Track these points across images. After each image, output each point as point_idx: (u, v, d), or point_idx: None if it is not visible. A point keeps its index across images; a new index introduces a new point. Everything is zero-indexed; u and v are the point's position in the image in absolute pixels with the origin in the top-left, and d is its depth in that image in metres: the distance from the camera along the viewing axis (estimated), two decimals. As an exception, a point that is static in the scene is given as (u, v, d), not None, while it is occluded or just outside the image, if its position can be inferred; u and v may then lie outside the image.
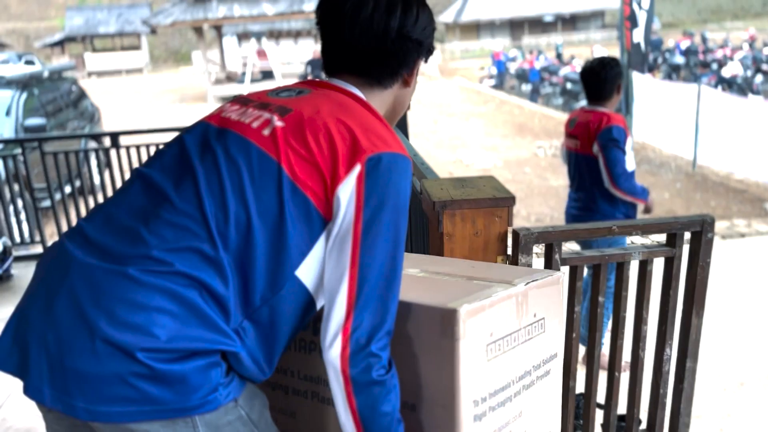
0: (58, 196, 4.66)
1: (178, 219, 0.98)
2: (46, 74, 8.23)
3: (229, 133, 1.06)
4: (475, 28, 39.76)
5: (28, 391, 0.95)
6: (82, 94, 9.21)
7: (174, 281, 0.94)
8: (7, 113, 6.85)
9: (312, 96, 1.12)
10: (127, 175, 1.32)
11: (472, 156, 11.47)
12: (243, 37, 26.26)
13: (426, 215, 2.06)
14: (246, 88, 19.87)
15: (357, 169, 1.00)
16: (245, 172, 1.01)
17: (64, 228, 4.53)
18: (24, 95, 7.19)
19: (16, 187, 4.84)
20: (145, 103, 19.96)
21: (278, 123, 1.05)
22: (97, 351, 0.90)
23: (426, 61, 1.25)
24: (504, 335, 1.12)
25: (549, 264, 1.88)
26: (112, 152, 4.47)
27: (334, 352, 0.98)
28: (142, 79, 29.14)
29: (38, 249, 4.50)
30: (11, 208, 4.56)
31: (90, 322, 0.91)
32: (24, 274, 4.04)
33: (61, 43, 31.90)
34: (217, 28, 22.45)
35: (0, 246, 3.82)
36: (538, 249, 1.89)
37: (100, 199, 4.74)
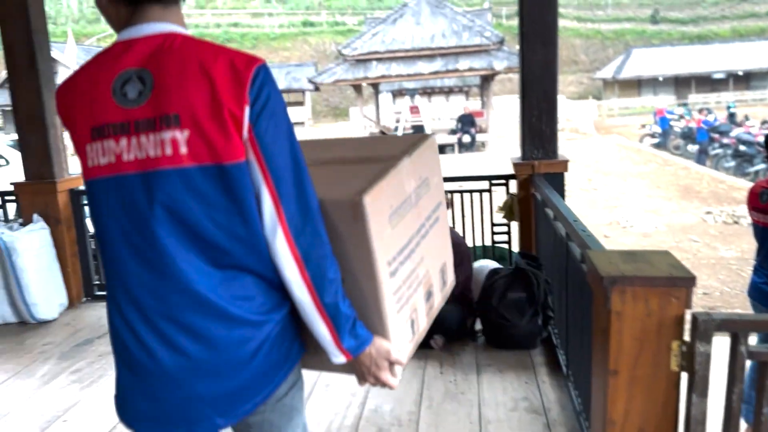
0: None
1: None
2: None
3: None
4: (635, 85, 38.15)
5: None
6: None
7: None
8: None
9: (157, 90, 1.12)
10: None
11: (631, 218, 10.76)
12: (397, 94, 27.31)
13: (590, 288, 1.87)
14: (398, 142, 20.43)
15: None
16: None
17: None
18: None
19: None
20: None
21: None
22: None
23: None
24: (400, 203, 1.34)
25: (734, 356, 1.61)
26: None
27: (279, 240, 1.14)
28: (304, 131, 31.21)
29: None
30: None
31: None
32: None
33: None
34: (375, 86, 23.53)
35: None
36: (721, 336, 1.63)
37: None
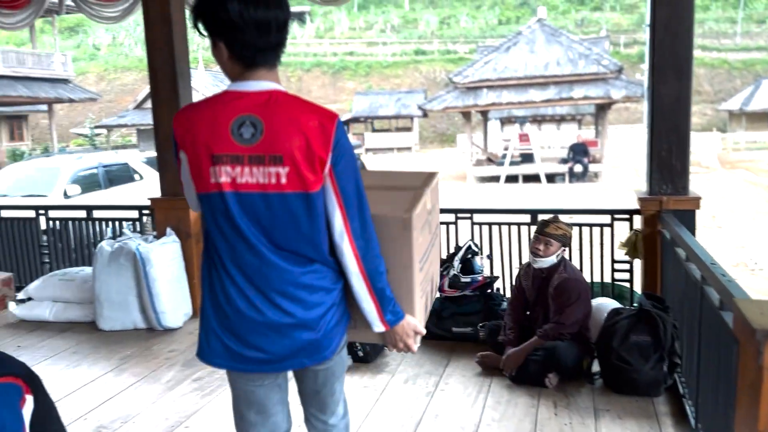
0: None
1: None
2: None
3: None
4: (765, 117, 35.47)
5: None
6: (362, 168, 10.21)
7: None
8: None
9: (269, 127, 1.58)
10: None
11: (760, 260, 9.93)
12: (506, 121, 27.01)
13: (735, 339, 1.74)
14: (505, 170, 20.17)
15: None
16: None
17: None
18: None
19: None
20: (411, 179, 21.33)
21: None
22: None
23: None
24: (424, 221, 1.85)
25: None
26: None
27: (345, 244, 1.64)
28: (411, 157, 31.55)
29: None
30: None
31: None
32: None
33: (347, 123, 36.28)
34: (484, 113, 23.42)
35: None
36: None
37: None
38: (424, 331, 1.84)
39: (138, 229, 4.97)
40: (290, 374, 1.85)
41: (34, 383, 2.15)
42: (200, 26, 1.61)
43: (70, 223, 5.15)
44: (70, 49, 35.69)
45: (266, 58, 1.61)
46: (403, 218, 1.74)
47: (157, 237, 4.62)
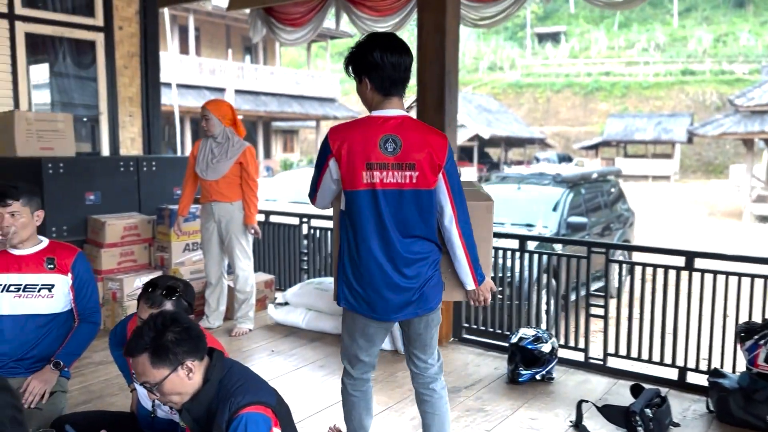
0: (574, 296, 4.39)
1: None
2: (594, 176, 8.48)
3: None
4: None
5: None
6: (620, 197, 9.20)
7: None
8: (554, 208, 7.21)
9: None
10: None
11: None
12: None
13: None
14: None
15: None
16: None
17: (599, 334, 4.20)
18: (571, 194, 7.49)
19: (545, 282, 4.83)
20: (673, 212, 19.18)
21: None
22: None
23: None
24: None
25: None
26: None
27: (452, 226, 2.30)
28: (669, 187, 28.52)
29: (579, 356, 4.07)
30: (543, 306, 4.48)
31: None
32: (564, 379, 3.83)
33: (596, 147, 34.17)
34: (769, 141, 20.08)
35: (548, 346, 3.69)
36: None
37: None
38: (497, 289, 2.86)
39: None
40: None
41: (282, 414, 1.93)
42: (350, 68, 2.28)
43: (328, 232, 5.22)
44: (339, 72, 39.31)
45: (398, 90, 2.25)
46: (488, 204, 2.50)
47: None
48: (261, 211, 5.71)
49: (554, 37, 47.36)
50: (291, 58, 41.79)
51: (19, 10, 5.11)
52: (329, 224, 5.20)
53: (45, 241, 2.86)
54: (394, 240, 2.21)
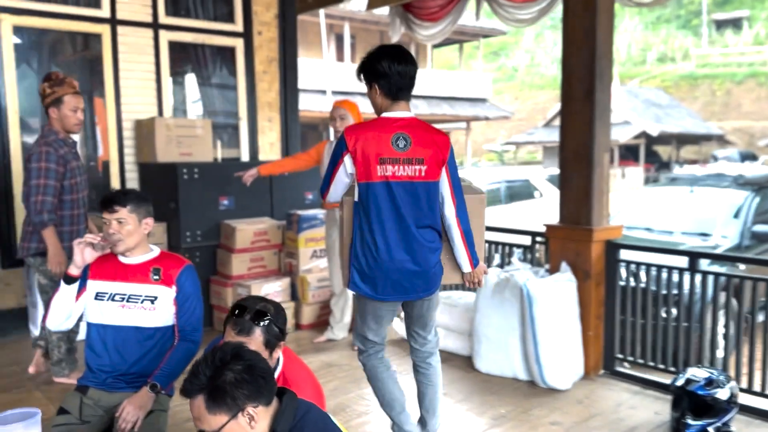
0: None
1: None
2: (788, 177, 7.16)
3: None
4: None
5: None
6: None
7: None
8: (736, 215, 6.14)
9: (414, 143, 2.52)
10: None
11: None
12: None
13: None
14: None
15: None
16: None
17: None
18: (757, 198, 6.34)
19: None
20: None
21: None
22: None
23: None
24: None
25: None
26: None
27: (451, 215, 2.56)
28: None
29: (764, 403, 3.26)
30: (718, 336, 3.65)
31: None
32: (742, 429, 3.06)
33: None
34: None
35: (726, 392, 2.96)
36: None
37: None
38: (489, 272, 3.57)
39: (529, 258, 4.27)
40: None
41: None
42: (362, 76, 2.55)
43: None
44: (491, 72, 38.45)
45: (404, 95, 2.52)
46: (481, 197, 2.75)
47: (550, 272, 3.83)
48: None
49: (735, 24, 42.53)
50: (445, 60, 41.71)
51: (162, 19, 5.26)
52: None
53: (155, 251, 2.74)
54: (408, 228, 2.48)
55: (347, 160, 2.47)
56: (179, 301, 2.70)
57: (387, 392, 2.71)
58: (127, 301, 2.65)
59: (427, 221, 2.49)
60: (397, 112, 2.50)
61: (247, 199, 4.95)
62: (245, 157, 5.86)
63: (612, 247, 3.73)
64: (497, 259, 4.09)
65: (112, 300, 2.64)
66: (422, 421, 2.78)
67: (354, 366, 3.94)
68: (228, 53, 5.78)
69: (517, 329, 3.69)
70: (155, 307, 2.65)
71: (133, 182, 5.18)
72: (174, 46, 5.40)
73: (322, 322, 4.73)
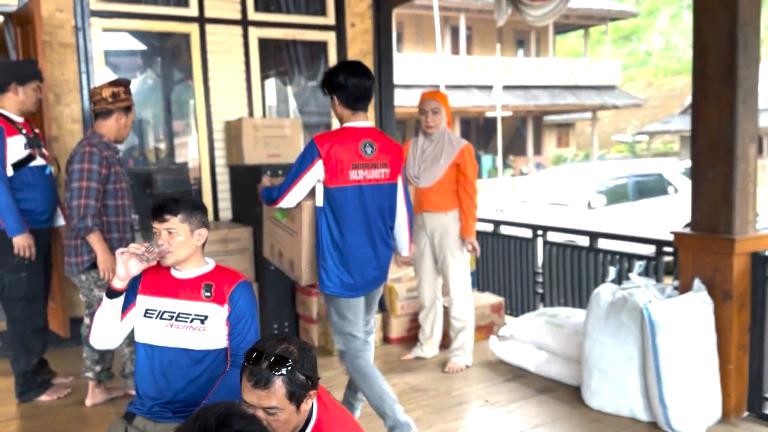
0: None
1: None
2: None
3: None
4: None
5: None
6: None
7: None
8: None
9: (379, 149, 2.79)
10: None
11: None
12: None
13: None
14: None
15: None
16: None
17: None
18: None
19: None
20: None
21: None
22: None
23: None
24: None
25: None
26: None
27: (403, 211, 2.95)
28: None
29: None
30: None
31: None
32: None
33: None
34: None
35: None
36: None
37: None
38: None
39: (653, 273, 3.57)
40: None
41: None
42: (325, 89, 2.76)
43: (568, 250, 4.16)
44: (621, 57, 36.00)
45: (362, 105, 2.73)
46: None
47: (679, 291, 3.15)
48: (489, 221, 4.89)
49: None
50: (570, 48, 39.69)
51: (252, 15, 5.07)
52: (569, 238, 4.15)
53: (210, 265, 2.46)
54: (373, 226, 2.74)
55: (319, 165, 2.64)
56: (232, 321, 2.40)
57: (377, 388, 2.72)
58: (176, 319, 2.38)
59: (388, 220, 2.83)
60: (359, 122, 2.74)
61: (335, 202, 4.64)
62: (338, 156, 5.57)
63: (760, 261, 2.98)
64: (613, 272, 3.45)
65: (161, 318, 2.38)
66: (351, 386, 3.03)
67: (442, 392, 3.49)
68: (319, 48, 5.51)
69: (636, 360, 3.05)
70: (205, 328, 2.37)
71: (224, 185, 5.05)
72: (264, 44, 5.20)
73: (412, 337, 4.31)
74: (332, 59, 5.48)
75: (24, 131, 3.48)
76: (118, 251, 2.33)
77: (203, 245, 2.48)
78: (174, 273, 2.41)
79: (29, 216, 3.42)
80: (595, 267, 3.93)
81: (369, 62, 5.64)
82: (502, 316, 4.45)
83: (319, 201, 2.69)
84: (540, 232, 4.34)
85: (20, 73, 3.48)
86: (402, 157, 2.84)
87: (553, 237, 4.29)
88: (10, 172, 3.39)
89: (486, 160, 26.07)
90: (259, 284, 4.55)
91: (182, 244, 2.35)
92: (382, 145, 2.73)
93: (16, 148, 3.41)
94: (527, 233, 4.48)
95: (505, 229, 4.76)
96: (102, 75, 4.54)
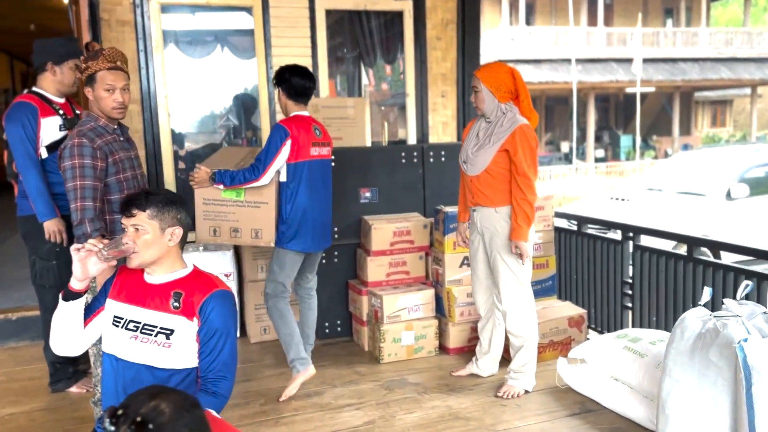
0: None
1: None
2: None
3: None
4: None
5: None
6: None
7: None
8: None
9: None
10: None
11: None
12: None
13: None
14: None
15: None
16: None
17: None
18: None
19: None
20: None
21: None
22: None
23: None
24: None
25: None
26: None
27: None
28: None
29: None
30: None
31: None
32: None
33: None
34: None
35: None
36: None
37: None
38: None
39: (761, 298, 2.74)
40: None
41: None
42: (274, 81, 3.26)
43: (663, 258, 3.36)
44: (792, 24, 31.58)
45: (302, 99, 3.23)
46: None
47: (796, 326, 2.34)
48: (573, 217, 4.17)
49: None
50: (731, 17, 35.57)
51: (318, -16, 4.69)
52: (668, 245, 3.37)
53: (187, 269, 2.13)
54: (323, 193, 3.29)
55: (288, 144, 3.11)
56: (201, 338, 2.06)
57: (290, 328, 3.29)
58: (141, 331, 2.08)
59: (330, 188, 3.36)
60: (304, 112, 3.26)
61: (395, 192, 4.17)
62: (412, 139, 5.07)
63: None
64: (707, 293, 2.65)
65: (126, 328, 2.09)
66: (305, 337, 3.47)
67: (485, 424, 2.94)
68: (394, 19, 5.01)
69: (725, 411, 2.32)
70: (170, 344, 2.05)
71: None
72: (332, 16, 4.80)
73: (472, 348, 3.75)
74: (408, 31, 4.96)
75: (62, 112, 3.36)
76: (73, 247, 2.05)
77: (182, 246, 2.15)
78: (146, 277, 2.11)
79: (63, 200, 3.30)
80: (694, 281, 3.13)
81: (451, 34, 5.07)
82: (584, 331, 3.76)
83: (283, 177, 3.18)
84: (631, 234, 3.57)
85: (57, 52, 3.35)
86: (331, 141, 3.43)
87: (648, 242, 3.52)
88: (44, 153, 3.29)
89: (624, 140, 24.06)
90: (311, 278, 4.22)
91: (149, 243, 2.03)
92: (323, 130, 3.34)
93: (51, 129, 3.29)
94: (617, 234, 3.73)
95: (590, 228, 4.02)
96: (160, 53, 4.39)
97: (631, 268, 3.60)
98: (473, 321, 3.77)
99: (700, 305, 2.60)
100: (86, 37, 3.78)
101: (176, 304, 2.05)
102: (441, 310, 3.88)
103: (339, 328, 4.16)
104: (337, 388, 3.37)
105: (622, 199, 8.67)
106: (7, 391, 3.45)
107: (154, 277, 2.09)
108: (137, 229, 2.03)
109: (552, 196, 4.03)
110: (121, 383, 2.08)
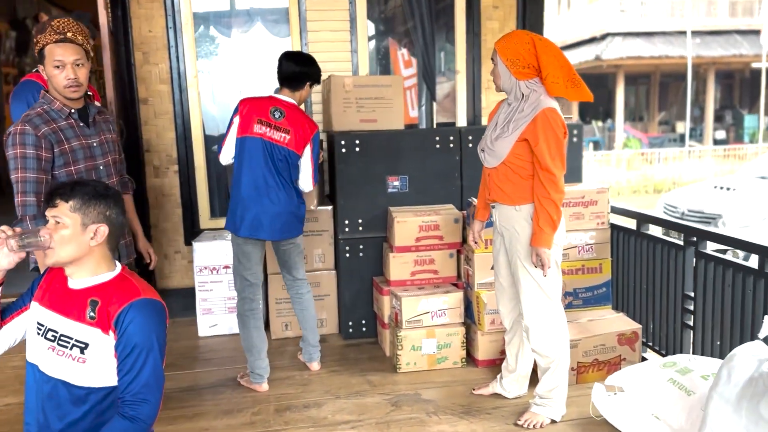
0: None
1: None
2: None
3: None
4: None
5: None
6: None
7: None
8: None
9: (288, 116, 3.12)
10: None
11: None
12: None
13: None
14: None
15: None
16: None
17: None
18: None
19: None
20: None
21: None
22: None
23: (311, 86, 3.23)
24: None
25: None
26: None
27: (308, 177, 3.19)
28: None
29: None
30: None
31: None
32: None
33: None
34: None
35: None
36: None
37: None
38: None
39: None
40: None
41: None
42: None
43: (730, 270, 2.71)
44: None
45: (286, 84, 3.16)
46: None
47: None
48: (632, 214, 3.54)
49: None
50: None
51: (356, -48, 4.29)
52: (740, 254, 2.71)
53: (112, 273, 1.88)
54: (269, 178, 3.08)
55: (236, 120, 3.09)
56: (119, 354, 1.80)
57: (248, 336, 3.16)
58: (58, 343, 1.85)
59: (285, 176, 3.11)
60: (281, 96, 3.17)
61: (427, 181, 3.74)
62: (462, 121, 4.59)
63: None
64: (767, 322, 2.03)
65: (45, 337, 1.87)
66: (304, 339, 3.40)
67: (491, 457, 2.49)
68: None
69: (781, 487, 1.75)
70: (85, 359, 1.82)
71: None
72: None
73: (503, 361, 3.29)
74: (460, 6, 4.47)
75: None
76: None
77: (112, 248, 1.89)
78: (68, 280, 1.87)
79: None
80: (765, 304, 2.48)
81: (511, 2, 4.52)
82: (637, 350, 3.18)
83: (233, 154, 3.16)
84: (695, 239, 2.93)
85: None
86: (310, 135, 3.14)
87: (715, 248, 2.87)
88: None
89: (749, 120, 21.76)
90: (336, 273, 3.90)
91: (66, 240, 1.79)
92: (291, 117, 3.12)
93: None
94: (679, 238, 3.10)
95: (652, 229, 3.38)
96: (189, 31, 4.20)
97: (692, 279, 2.96)
98: (504, 330, 3.30)
99: (759, 339, 2.00)
100: (103, 13, 3.62)
101: (92, 314, 1.81)
102: (472, 315, 3.43)
103: (364, 329, 3.83)
104: (340, 400, 3.03)
105: (728, 188, 7.69)
106: (8, 380, 3.41)
107: (74, 280, 1.85)
108: (57, 222, 1.79)
109: (607, 188, 3.42)
110: (40, 397, 1.88)
